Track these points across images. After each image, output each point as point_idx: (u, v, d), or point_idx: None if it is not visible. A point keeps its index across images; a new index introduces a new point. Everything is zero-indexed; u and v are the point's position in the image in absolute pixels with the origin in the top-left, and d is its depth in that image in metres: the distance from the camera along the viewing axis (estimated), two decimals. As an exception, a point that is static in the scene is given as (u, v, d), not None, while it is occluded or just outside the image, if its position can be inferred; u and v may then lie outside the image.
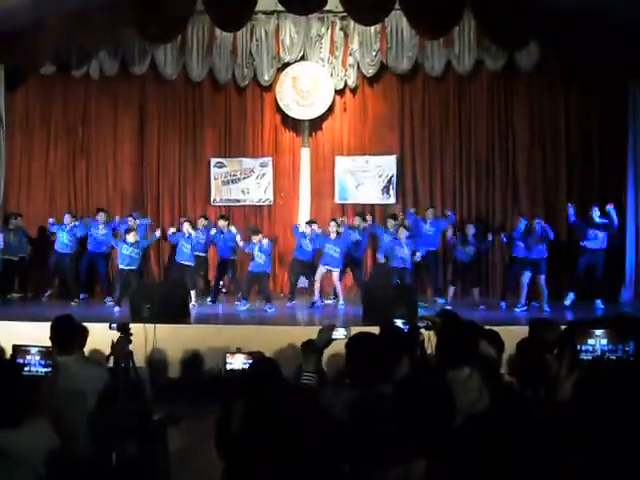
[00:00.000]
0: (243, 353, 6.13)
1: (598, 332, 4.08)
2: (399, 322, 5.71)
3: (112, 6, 11.89)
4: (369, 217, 14.03)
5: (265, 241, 12.44)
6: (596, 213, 12.44)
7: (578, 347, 4.13)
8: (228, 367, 5.95)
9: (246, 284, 12.70)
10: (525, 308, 12.15)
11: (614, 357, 4.08)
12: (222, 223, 13.42)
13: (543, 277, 12.31)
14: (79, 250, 13.57)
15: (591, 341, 4.08)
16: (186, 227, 13.03)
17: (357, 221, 13.56)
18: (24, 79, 13.71)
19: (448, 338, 4.20)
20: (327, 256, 12.74)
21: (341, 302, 12.73)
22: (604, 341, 4.07)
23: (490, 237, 13.10)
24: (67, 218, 13.40)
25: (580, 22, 11.64)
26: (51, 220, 13.59)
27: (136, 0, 11.90)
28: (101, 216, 13.57)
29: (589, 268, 12.51)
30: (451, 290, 13.05)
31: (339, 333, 4.66)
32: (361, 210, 14.40)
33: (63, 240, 13.30)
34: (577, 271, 12.64)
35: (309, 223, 13.29)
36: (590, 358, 4.07)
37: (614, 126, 13.56)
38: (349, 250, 13.04)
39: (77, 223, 13.47)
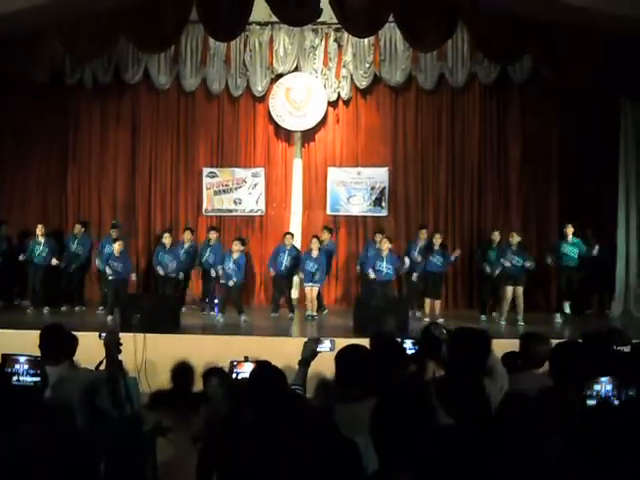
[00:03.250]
0: (252, 362, 6.11)
1: (603, 378, 4.15)
2: (408, 342, 5.64)
3: (106, 15, 11.87)
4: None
5: (236, 254, 12.46)
6: (570, 231, 12.52)
7: (584, 392, 4.17)
8: (238, 376, 5.94)
9: (221, 296, 12.72)
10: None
11: (617, 402, 4.15)
12: (213, 235, 13.41)
13: (522, 289, 12.41)
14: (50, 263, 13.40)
15: (597, 387, 4.13)
16: (166, 239, 13.06)
17: (325, 234, 13.62)
18: (17, 86, 13.67)
19: (460, 347, 4.21)
20: (310, 274, 12.78)
21: (313, 313, 12.79)
22: (609, 387, 4.13)
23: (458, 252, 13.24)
24: (39, 229, 13.36)
25: (572, 37, 11.69)
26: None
27: (130, 9, 11.89)
28: (77, 229, 13.59)
29: (569, 284, 12.63)
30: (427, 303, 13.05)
31: (324, 345, 4.67)
32: (330, 223, 14.57)
33: (39, 253, 13.27)
34: (561, 289, 12.77)
35: (289, 234, 13.37)
36: (595, 403, 4.12)
37: (606, 141, 13.61)
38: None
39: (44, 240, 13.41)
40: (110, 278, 12.54)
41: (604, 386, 4.14)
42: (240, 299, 12.71)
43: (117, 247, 12.54)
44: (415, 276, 12.94)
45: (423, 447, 2.66)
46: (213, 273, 12.78)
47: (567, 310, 12.55)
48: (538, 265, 12.74)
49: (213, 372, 6.06)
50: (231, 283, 12.39)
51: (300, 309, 13.32)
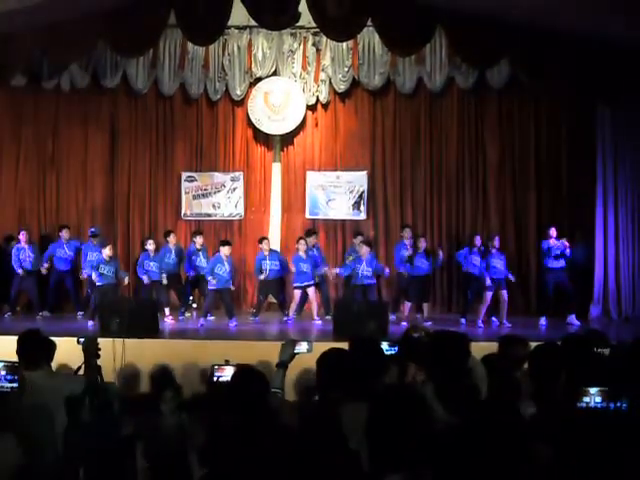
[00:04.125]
0: (233, 365, 6.10)
1: (593, 390, 4.16)
2: (385, 344, 5.67)
3: (84, 19, 11.82)
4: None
5: (227, 258, 12.45)
6: (553, 233, 12.60)
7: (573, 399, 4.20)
8: (218, 379, 5.91)
9: (210, 300, 12.67)
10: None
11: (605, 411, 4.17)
12: (199, 240, 13.35)
13: (505, 292, 12.48)
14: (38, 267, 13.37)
15: (586, 399, 4.15)
16: (150, 246, 12.99)
17: (313, 238, 13.57)
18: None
19: (440, 350, 4.22)
20: (302, 274, 12.79)
21: (316, 317, 12.78)
22: (598, 399, 4.14)
23: (441, 253, 13.21)
24: (24, 236, 13.30)
25: (549, 42, 11.78)
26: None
27: (108, 13, 11.85)
28: (64, 233, 13.49)
29: (557, 286, 12.63)
30: (407, 306, 13.08)
31: (302, 347, 4.70)
32: (312, 227, 14.51)
33: (25, 259, 13.21)
34: (548, 292, 12.76)
35: (264, 240, 13.24)
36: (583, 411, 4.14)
37: (583, 146, 13.73)
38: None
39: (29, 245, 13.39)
40: (98, 284, 12.45)
41: (593, 398, 4.16)
42: (232, 304, 12.70)
43: (107, 252, 12.41)
44: (406, 275, 12.94)
45: (417, 449, 2.67)
46: (210, 278, 12.59)
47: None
48: (519, 269, 12.88)
49: (167, 385, 6.02)
50: (225, 287, 12.40)
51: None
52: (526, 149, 14.45)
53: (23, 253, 13.21)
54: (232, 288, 12.62)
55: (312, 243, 13.36)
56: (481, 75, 13.86)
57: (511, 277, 12.61)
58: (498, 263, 12.48)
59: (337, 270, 13.10)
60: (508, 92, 14.21)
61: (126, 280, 13.00)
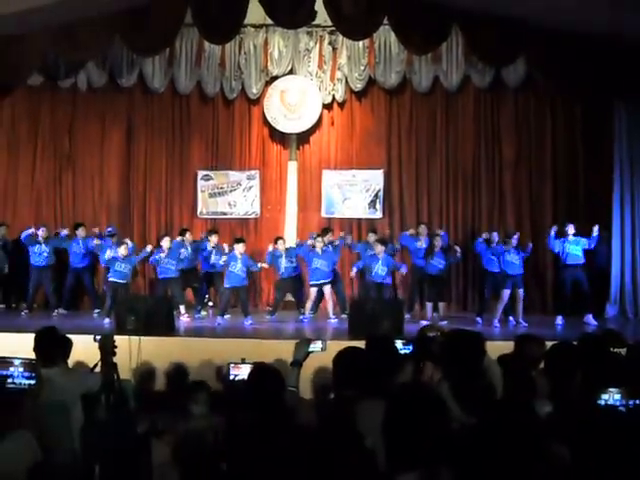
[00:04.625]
0: (249, 363, 6.10)
1: (612, 389, 4.16)
2: (399, 342, 5.67)
3: (100, 18, 11.85)
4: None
5: (241, 256, 12.45)
6: (571, 230, 12.52)
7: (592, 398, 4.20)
8: (235, 378, 5.92)
9: (225, 298, 12.68)
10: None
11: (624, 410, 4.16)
12: (213, 239, 13.36)
13: (522, 291, 12.42)
14: (56, 263, 13.46)
15: (605, 396, 4.14)
16: (165, 242, 13.00)
17: (330, 236, 13.52)
18: (11, 90, 13.63)
19: (455, 349, 4.21)
20: (318, 271, 12.76)
21: (332, 315, 12.74)
22: (617, 396, 4.14)
23: (458, 250, 13.12)
24: (42, 231, 13.33)
25: (565, 41, 11.72)
26: (27, 232, 13.31)
27: (124, 12, 11.87)
28: (80, 231, 13.53)
29: (574, 283, 12.55)
30: (428, 307, 13.01)
31: (316, 346, 4.70)
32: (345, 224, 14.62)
33: (39, 253, 13.26)
34: (564, 290, 12.67)
35: (279, 240, 13.24)
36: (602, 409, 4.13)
37: (600, 143, 13.65)
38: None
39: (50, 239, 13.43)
40: (113, 280, 12.53)
41: (612, 396, 4.15)
42: (247, 302, 12.73)
43: (123, 251, 12.49)
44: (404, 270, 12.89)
45: (433, 448, 2.67)
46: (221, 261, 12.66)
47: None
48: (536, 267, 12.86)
49: (200, 387, 5.99)
50: (241, 285, 12.45)
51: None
52: (542, 147, 14.39)
53: (39, 248, 13.23)
54: (239, 286, 12.54)
55: (328, 241, 13.38)
56: (497, 73, 13.83)
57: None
58: (515, 260, 12.40)
59: (354, 270, 13.07)
60: (524, 90, 14.18)
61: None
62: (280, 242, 13.05)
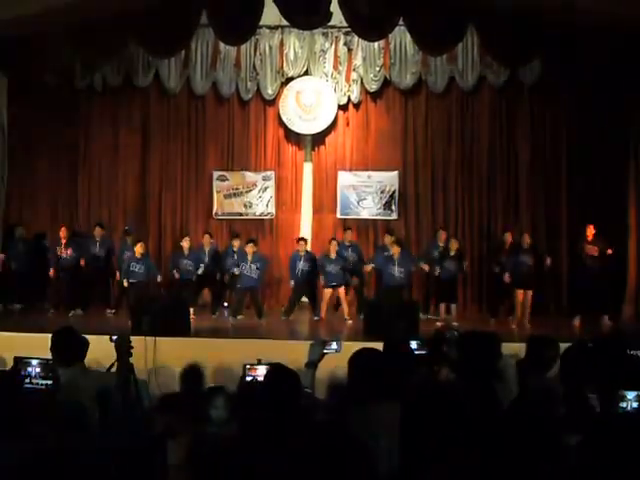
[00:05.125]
0: (265, 364, 6.10)
1: (630, 395, 4.15)
2: (414, 343, 5.68)
3: (115, 19, 11.88)
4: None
5: (252, 256, 12.51)
6: (590, 231, 12.48)
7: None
8: (254, 379, 5.92)
9: (239, 299, 12.72)
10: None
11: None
12: (236, 243, 13.41)
13: (530, 292, 12.41)
14: (77, 263, 13.53)
15: (622, 404, 4.13)
16: (185, 243, 13.06)
17: (349, 234, 13.71)
18: (27, 90, 13.69)
19: (470, 350, 4.21)
20: (331, 275, 12.80)
21: (347, 316, 12.76)
22: (635, 404, 4.13)
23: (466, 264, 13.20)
24: (64, 232, 13.42)
25: (581, 41, 11.67)
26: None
27: (140, 13, 11.90)
28: (97, 231, 13.60)
29: (591, 284, 12.48)
30: (441, 307, 13.03)
31: (331, 347, 4.70)
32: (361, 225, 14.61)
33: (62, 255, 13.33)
34: (581, 290, 12.62)
35: (301, 240, 13.38)
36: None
37: (615, 145, 13.57)
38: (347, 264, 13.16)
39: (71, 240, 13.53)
40: (130, 281, 12.63)
41: (630, 403, 4.14)
42: (261, 302, 12.77)
43: (138, 249, 12.60)
44: (437, 271, 12.89)
45: (449, 447, 2.68)
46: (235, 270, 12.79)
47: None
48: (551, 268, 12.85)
49: (218, 391, 5.96)
50: (254, 286, 12.53)
51: (331, 312, 13.35)
52: (558, 148, 14.36)
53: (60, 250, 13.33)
54: (252, 287, 12.69)
55: (348, 239, 13.45)
56: (512, 73, 13.81)
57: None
58: (528, 260, 12.36)
59: (371, 265, 13.13)
60: (540, 90, 14.13)
61: (159, 278, 13.13)
62: (302, 243, 13.14)
